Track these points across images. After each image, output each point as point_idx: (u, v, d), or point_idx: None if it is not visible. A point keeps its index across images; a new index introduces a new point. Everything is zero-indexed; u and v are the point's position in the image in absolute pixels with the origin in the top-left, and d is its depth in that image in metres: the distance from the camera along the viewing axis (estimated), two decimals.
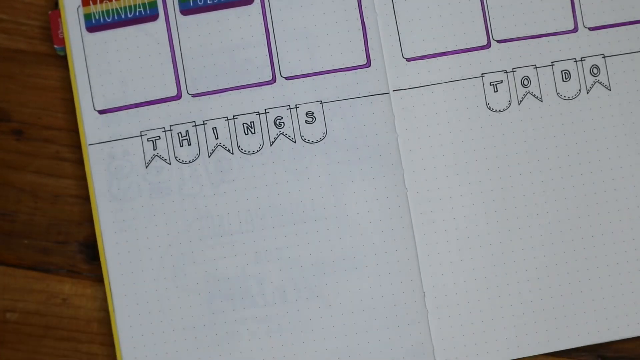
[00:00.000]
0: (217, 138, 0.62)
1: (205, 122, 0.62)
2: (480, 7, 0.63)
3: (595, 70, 0.63)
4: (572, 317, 0.62)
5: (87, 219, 0.64)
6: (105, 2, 0.62)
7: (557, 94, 0.63)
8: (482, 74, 0.63)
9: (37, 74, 0.65)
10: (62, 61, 0.64)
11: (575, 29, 0.63)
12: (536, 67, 0.63)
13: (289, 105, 0.62)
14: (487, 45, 0.63)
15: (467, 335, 0.61)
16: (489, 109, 0.63)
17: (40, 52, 0.65)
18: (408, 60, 0.63)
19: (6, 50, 0.65)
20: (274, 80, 0.62)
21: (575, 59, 0.63)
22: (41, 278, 0.64)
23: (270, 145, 0.62)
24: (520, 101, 0.63)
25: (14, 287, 0.64)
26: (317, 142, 0.62)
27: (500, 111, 0.63)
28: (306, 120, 0.62)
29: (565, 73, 0.63)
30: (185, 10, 0.63)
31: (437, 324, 0.61)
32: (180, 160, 0.62)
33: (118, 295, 0.62)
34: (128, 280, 0.62)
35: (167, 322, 0.61)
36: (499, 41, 0.63)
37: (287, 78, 0.62)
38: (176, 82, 0.62)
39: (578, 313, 0.62)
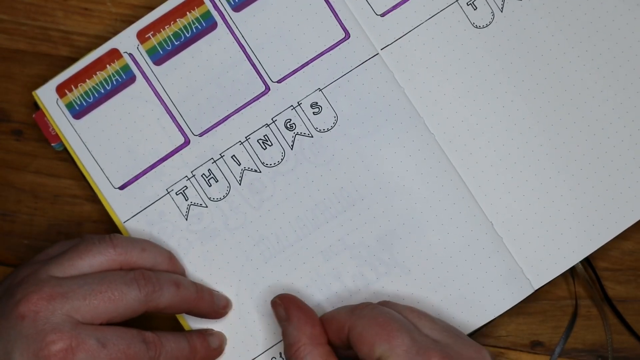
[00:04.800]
0: (239, 164, 0.62)
1: (222, 155, 0.62)
2: None
3: None
4: (628, 191, 0.62)
5: (87, 219, 0.64)
6: (81, 85, 0.62)
7: None
8: None
9: (37, 74, 0.65)
10: (66, 156, 0.64)
11: None
12: None
13: (291, 106, 0.62)
14: None
15: (547, 245, 0.62)
16: (476, 27, 0.63)
17: (40, 52, 0.65)
18: (382, 15, 0.63)
19: (6, 50, 0.65)
20: (267, 88, 0.62)
21: None
22: None
23: (291, 149, 0.62)
24: (502, 8, 0.63)
25: None
26: (332, 127, 0.62)
27: (487, 25, 0.63)
28: (313, 112, 0.63)
29: None
30: (157, 60, 0.62)
31: (514, 245, 0.62)
32: (215, 199, 0.62)
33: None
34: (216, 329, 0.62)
35: (265, 355, 0.62)
36: None
37: (278, 81, 0.62)
38: (179, 130, 0.62)
39: (630, 187, 0.62)
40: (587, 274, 0.64)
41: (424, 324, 0.57)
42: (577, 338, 0.64)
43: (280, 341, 0.62)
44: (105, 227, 0.64)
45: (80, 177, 0.64)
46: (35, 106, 0.63)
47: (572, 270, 0.64)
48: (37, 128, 0.64)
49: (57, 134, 0.63)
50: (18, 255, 0.64)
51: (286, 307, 0.58)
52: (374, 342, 0.55)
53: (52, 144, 0.63)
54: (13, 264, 0.64)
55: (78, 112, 0.62)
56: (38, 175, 0.65)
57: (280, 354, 0.62)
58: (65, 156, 0.65)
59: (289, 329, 0.58)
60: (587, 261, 0.64)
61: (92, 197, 0.64)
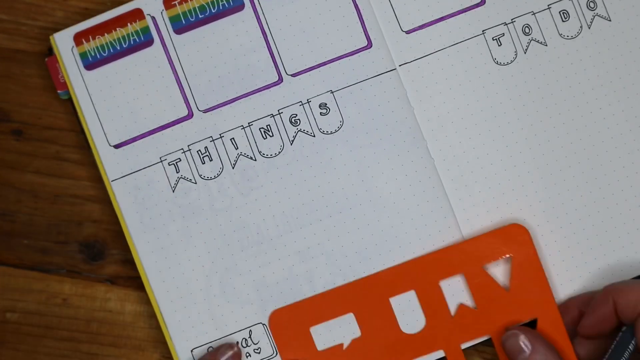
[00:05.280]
0: (237, 148, 0.62)
1: (222, 135, 0.62)
2: None
3: (591, 5, 0.63)
4: (621, 250, 0.62)
5: (87, 219, 0.64)
6: (98, 38, 0.62)
7: (560, 35, 0.63)
8: (482, 30, 0.63)
9: (37, 74, 0.65)
10: (68, 105, 0.64)
11: None
12: (534, 13, 0.63)
13: (300, 101, 0.62)
14: (482, 2, 0.63)
15: None
16: (497, 63, 0.63)
17: (40, 52, 0.65)
18: (407, 32, 0.63)
19: (6, 50, 0.65)
20: (280, 79, 0.62)
21: None
22: (41, 278, 0.64)
23: (291, 144, 0.62)
24: (526, 49, 0.63)
25: (14, 287, 0.64)
26: (336, 131, 0.62)
27: (508, 63, 0.63)
28: (320, 113, 0.62)
29: (563, 13, 0.63)
30: (179, 29, 0.63)
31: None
32: (206, 177, 0.62)
33: (171, 322, 0.62)
34: (178, 306, 0.62)
35: (225, 339, 0.62)
36: None
37: (293, 75, 0.62)
38: (185, 102, 0.62)
39: (624, 247, 0.62)
40: None
41: None
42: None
43: (235, 332, 0.61)
44: (106, 227, 0.64)
45: (80, 177, 0.64)
46: (50, 52, 0.63)
47: None
48: (38, 127, 0.64)
49: (65, 82, 0.63)
50: (18, 255, 0.64)
51: (529, 339, 0.58)
52: None
53: (58, 91, 0.63)
54: (13, 264, 0.64)
55: (91, 63, 0.62)
56: (38, 175, 0.65)
57: (238, 343, 0.62)
58: (66, 156, 0.64)
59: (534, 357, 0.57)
60: None
61: (93, 197, 0.64)
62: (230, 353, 0.60)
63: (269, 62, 0.62)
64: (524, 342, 0.57)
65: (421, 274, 0.61)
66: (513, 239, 0.60)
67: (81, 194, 0.64)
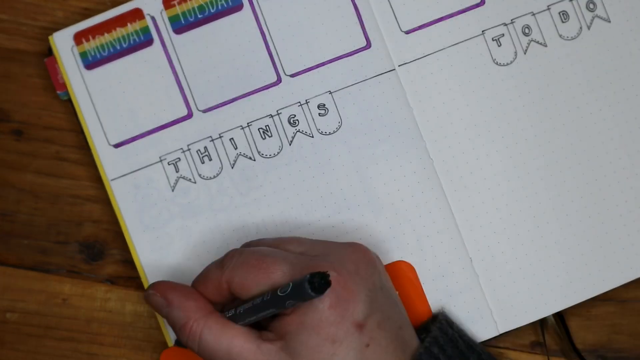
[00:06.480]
0: (236, 148, 0.62)
1: (221, 135, 0.62)
2: None
3: (591, 6, 0.63)
4: (621, 252, 0.62)
5: (87, 219, 0.64)
6: (98, 37, 0.62)
7: (560, 36, 0.63)
8: (482, 31, 0.63)
9: (37, 74, 0.65)
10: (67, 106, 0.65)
11: None
12: (534, 14, 0.63)
13: (299, 102, 0.62)
14: (482, 3, 0.63)
15: (521, 292, 0.61)
16: (497, 63, 0.62)
17: (40, 52, 0.65)
18: (407, 33, 0.63)
19: (6, 50, 0.65)
20: (279, 80, 0.62)
21: None
22: (41, 278, 0.64)
23: (290, 145, 0.62)
24: (525, 50, 0.63)
25: (14, 287, 0.64)
26: (334, 132, 0.62)
27: (507, 64, 0.63)
28: (319, 113, 0.62)
29: (563, 14, 0.63)
30: (178, 29, 0.63)
31: (489, 286, 0.62)
32: (205, 177, 0.62)
33: None
34: None
35: None
36: None
37: (291, 75, 0.62)
38: (185, 102, 0.62)
39: (624, 248, 0.62)
40: (557, 326, 0.63)
41: (295, 246, 0.57)
42: (577, 338, 0.64)
43: None
44: (105, 227, 0.64)
45: (80, 177, 0.64)
46: (49, 52, 0.64)
47: (542, 321, 0.63)
48: (38, 127, 0.64)
49: (64, 82, 0.63)
50: (18, 255, 0.64)
51: (162, 294, 0.57)
52: (256, 284, 0.54)
53: (58, 92, 0.63)
54: (13, 264, 0.64)
55: (90, 63, 0.63)
56: (38, 175, 0.65)
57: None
58: (66, 156, 0.65)
59: (173, 313, 0.56)
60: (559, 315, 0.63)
61: (93, 197, 0.64)
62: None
63: (267, 63, 0.62)
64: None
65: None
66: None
67: (81, 194, 0.65)
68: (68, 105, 0.64)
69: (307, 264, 0.54)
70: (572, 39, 0.63)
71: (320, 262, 0.54)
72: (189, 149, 0.62)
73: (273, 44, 0.63)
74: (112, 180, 0.62)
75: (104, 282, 0.64)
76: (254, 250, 0.56)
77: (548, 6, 0.63)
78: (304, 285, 0.51)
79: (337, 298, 0.53)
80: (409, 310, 0.60)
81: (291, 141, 0.62)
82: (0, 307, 0.64)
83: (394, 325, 0.55)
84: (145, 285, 0.62)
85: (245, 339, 0.54)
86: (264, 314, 0.54)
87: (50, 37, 0.62)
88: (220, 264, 0.56)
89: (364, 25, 0.62)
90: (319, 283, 0.51)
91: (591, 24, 0.63)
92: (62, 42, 0.62)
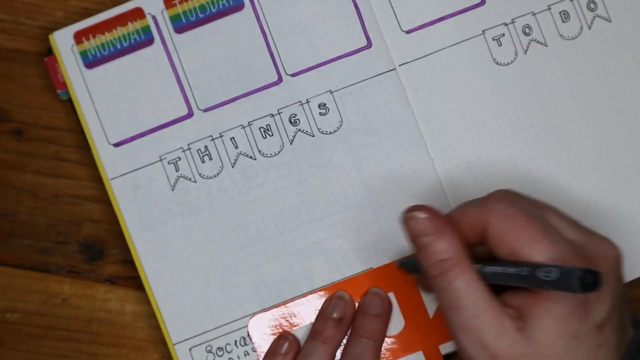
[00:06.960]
0: (236, 147, 0.62)
1: (222, 134, 0.62)
2: None
3: (592, 5, 0.63)
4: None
5: (87, 219, 0.64)
6: (99, 36, 0.62)
7: (560, 35, 0.63)
8: (482, 30, 0.63)
9: (37, 73, 0.65)
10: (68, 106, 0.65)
11: None
12: (534, 14, 0.63)
13: (300, 101, 0.62)
14: (482, 2, 0.63)
15: None
16: (497, 63, 0.63)
17: (40, 52, 0.65)
18: (407, 32, 0.63)
19: (6, 50, 0.65)
20: (280, 79, 0.62)
21: None
22: (41, 278, 0.64)
23: (290, 144, 0.62)
24: (526, 50, 0.63)
25: (14, 287, 0.64)
26: (335, 131, 0.62)
27: (508, 64, 0.63)
28: (320, 112, 0.62)
29: (563, 14, 0.63)
30: (179, 28, 0.63)
31: None
32: (205, 176, 0.62)
33: (170, 321, 0.62)
34: (177, 304, 0.62)
35: (223, 338, 0.62)
36: None
37: (292, 75, 0.62)
38: (185, 101, 0.62)
39: (624, 248, 0.62)
40: None
41: (554, 219, 0.54)
42: None
43: (234, 331, 0.61)
44: (105, 227, 0.64)
45: (80, 178, 0.64)
46: (49, 51, 0.64)
47: None
48: (38, 127, 0.64)
49: (64, 82, 0.63)
50: (18, 255, 0.64)
51: (434, 222, 0.53)
52: (515, 246, 0.51)
53: (58, 91, 0.64)
54: (13, 264, 0.64)
55: (91, 62, 0.63)
56: (38, 175, 0.65)
57: (228, 344, 0.62)
58: (66, 156, 0.65)
59: (438, 245, 0.53)
60: None
61: (92, 197, 0.64)
62: (286, 344, 0.60)
63: (268, 62, 0.62)
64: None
65: (400, 276, 0.61)
66: None
67: (81, 194, 0.65)
68: (68, 105, 0.64)
69: (571, 251, 0.52)
70: (573, 38, 0.63)
71: (576, 254, 0.52)
72: (189, 148, 0.62)
73: (274, 43, 0.63)
74: (112, 179, 0.62)
75: (104, 282, 0.64)
76: (524, 208, 0.53)
77: (549, 6, 0.63)
78: (572, 280, 0.48)
79: (589, 295, 0.52)
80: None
81: (292, 140, 0.62)
82: (0, 307, 0.64)
83: (623, 329, 0.54)
84: (146, 285, 0.62)
85: (491, 306, 0.52)
86: (509, 284, 0.51)
87: (50, 36, 0.62)
88: (483, 202, 0.53)
89: (364, 24, 0.63)
90: (589, 283, 0.48)
91: (592, 23, 0.63)
92: (62, 40, 0.62)
